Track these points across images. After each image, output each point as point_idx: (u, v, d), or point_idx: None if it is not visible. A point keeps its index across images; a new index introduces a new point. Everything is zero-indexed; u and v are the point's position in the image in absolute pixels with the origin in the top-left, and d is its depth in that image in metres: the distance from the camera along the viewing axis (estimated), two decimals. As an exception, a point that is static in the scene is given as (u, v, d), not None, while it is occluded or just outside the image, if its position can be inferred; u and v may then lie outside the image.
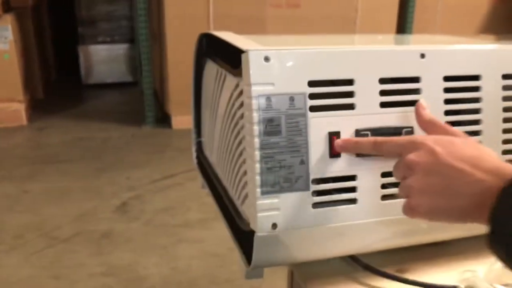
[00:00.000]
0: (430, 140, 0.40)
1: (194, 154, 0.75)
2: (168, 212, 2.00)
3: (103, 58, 3.78)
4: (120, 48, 3.83)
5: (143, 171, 2.36)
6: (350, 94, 0.47)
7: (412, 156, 0.40)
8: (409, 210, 0.41)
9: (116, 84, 3.85)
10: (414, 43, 0.51)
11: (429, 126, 0.44)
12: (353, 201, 0.49)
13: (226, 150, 0.57)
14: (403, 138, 0.42)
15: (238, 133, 0.51)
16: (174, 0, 2.65)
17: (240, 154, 0.51)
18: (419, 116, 0.45)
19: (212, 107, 0.64)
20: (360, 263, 0.53)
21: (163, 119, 2.95)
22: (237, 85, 0.50)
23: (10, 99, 2.76)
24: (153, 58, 3.06)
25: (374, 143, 0.44)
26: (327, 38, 0.63)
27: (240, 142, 0.51)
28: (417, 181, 0.39)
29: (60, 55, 4.05)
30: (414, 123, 0.49)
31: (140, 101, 2.97)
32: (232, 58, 0.48)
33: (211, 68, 0.63)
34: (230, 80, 0.53)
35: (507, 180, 0.36)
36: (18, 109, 2.80)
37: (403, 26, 3.19)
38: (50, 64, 3.77)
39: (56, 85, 3.85)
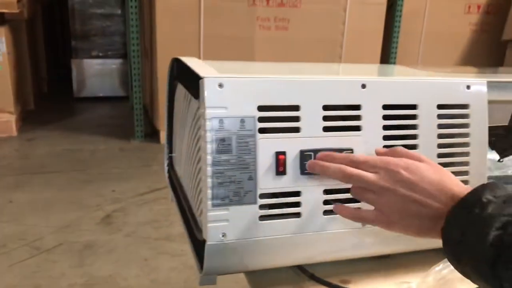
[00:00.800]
0: (402, 166, 0.46)
1: (166, 168, 0.80)
2: (151, 225, 2.03)
3: (96, 72, 3.84)
4: (113, 63, 3.89)
5: (129, 184, 2.40)
6: (296, 119, 0.53)
7: (386, 183, 0.46)
8: (381, 223, 0.47)
9: (108, 98, 3.90)
10: (361, 74, 0.57)
11: (394, 153, 0.50)
12: (297, 214, 0.54)
13: (189, 165, 0.62)
14: (378, 160, 0.48)
15: (198, 150, 0.56)
16: (166, 19, 2.73)
17: (199, 170, 0.56)
18: (379, 153, 0.51)
19: (181, 125, 0.69)
20: (307, 273, 0.58)
21: (152, 134, 3.00)
22: (198, 108, 0.55)
23: (0, 110, 2.80)
24: (144, 73, 3.13)
25: (351, 161, 0.49)
26: (287, 67, 0.69)
27: (199, 159, 0.56)
28: (392, 203, 0.45)
29: (53, 68, 4.11)
30: (354, 145, 0.54)
31: (131, 115, 3.02)
32: (194, 83, 0.54)
33: (181, 90, 0.68)
34: (194, 103, 0.58)
35: (455, 202, 0.43)
36: (8, 120, 2.84)
37: (387, 51, 3.29)
38: (42, 77, 3.83)
39: (48, 97, 3.90)
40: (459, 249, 0.41)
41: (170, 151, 0.79)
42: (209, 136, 0.49)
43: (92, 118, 3.53)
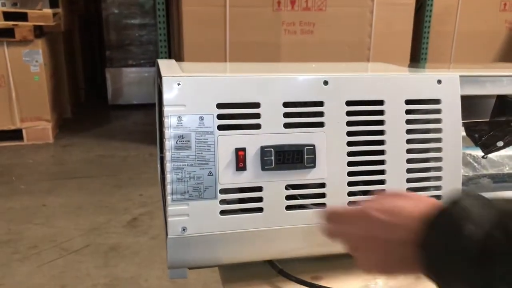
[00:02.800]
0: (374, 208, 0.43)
1: (158, 168, 0.83)
2: (175, 228, 2.07)
3: (130, 80, 3.97)
4: (147, 71, 4.01)
5: (156, 189, 2.45)
6: (256, 116, 0.54)
7: (357, 231, 0.44)
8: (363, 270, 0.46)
9: (141, 105, 4.02)
10: (324, 72, 0.57)
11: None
12: (259, 209, 0.55)
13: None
14: (355, 211, 0.45)
15: (168, 148, 0.58)
16: (192, 26, 2.79)
17: (168, 166, 0.58)
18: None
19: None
20: (275, 268, 0.58)
21: (180, 140, 3.06)
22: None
23: (38, 118, 2.95)
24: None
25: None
26: (262, 66, 0.70)
27: (169, 156, 0.58)
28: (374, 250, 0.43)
29: (89, 77, 4.28)
30: (316, 141, 0.55)
31: (161, 122, 3.10)
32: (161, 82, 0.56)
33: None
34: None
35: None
36: (45, 127, 2.98)
37: (417, 53, 3.21)
38: (79, 86, 3.99)
39: (84, 105, 4.07)
40: (440, 258, 0.37)
41: (161, 151, 0.81)
42: (168, 132, 0.51)
43: (125, 125, 3.65)
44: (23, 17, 2.74)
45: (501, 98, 0.65)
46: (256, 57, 2.89)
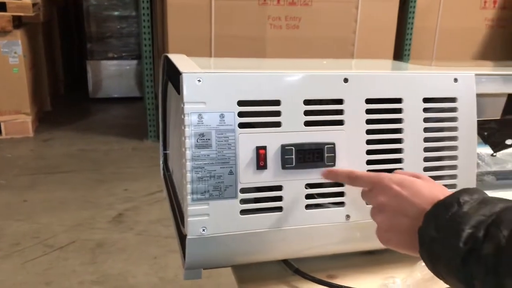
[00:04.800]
0: (394, 181, 0.46)
1: (161, 166, 0.81)
2: (162, 223, 2.05)
3: (111, 73, 3.89)
4: (128, 64, 3.94)
5: (141, 184, 2.42)
6: (277, 113, 0.53)
7: (381, 199, 0.46)
8: (381, 241, 0.47)
9: (123, 99, 3.96)
10: (343, 69, 0.57)
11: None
12: (279, 209, 0.54)
13: (177, 161, 0.63)
14: (373, 176, 0.48)
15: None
16: (177, 20, 2.75)
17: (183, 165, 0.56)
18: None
19: (173, 122, 0.70)
20: (291, 267, 0.58)
21: (164, 134, 3.03)
22: (180, 103, 0.56)
23: (17, 111, 2.86)
24: (157, 74, 3.16)
25: (349, 176, 0.50)
26: (274, 62, 0.69)
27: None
28: (386, 219, 0.46)
29: (70, 70, 4.18)
30: (336, 140, 0.54)
31: (145, 116, 3.06)
32: (176, 79, 0.54)
33: (171, 86, 0.69)
34: (179, 98, 0.59)
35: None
36: (24, 121, 2.90)
37: (400, 48, 3.24)
38: (59, 78, 3.90)
39: (64, 98, 3.97)
40: (434, 246, 0.41)
41: (165, 148, 0.80)
42: (188, 131, 0.50)
43: (107, 118, 3.58)
44: (1, 7, 2.64)
45: (510, 97, 0.66)
46: (241, 51, 2.86)
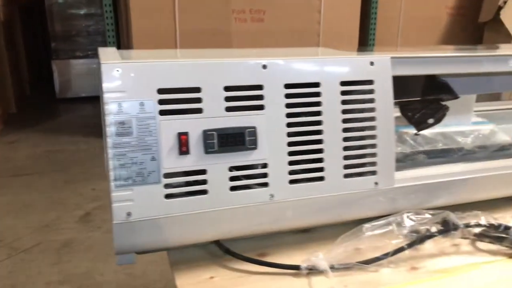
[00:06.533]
0: None
1: (105, 156, 0.82)
2: (129, 220, 2.05)
3: (78, 73, 3.85)
4: (95, 63, 3.89)
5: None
6: (198, 100, 0.55)
7: None
8: None
9: (91, 98, 3.92)
10: (264, 56, 0.59)
11: None
12: (204, 192, 0.56)
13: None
14: None
15: (111, 135, 0.58)
16: (140, 15, 2.73)
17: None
18: None
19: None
20: (222, 248, 0.60)
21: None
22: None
23: (-20, 114, 2.81)
24: (123, 72, 3.13)
25: None
26: (206, 52, 0.71)
27: (112, 144, 0.58)
28: None
29: (36, 70, 4.11)
30: (257, 123, 0.57)
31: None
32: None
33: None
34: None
35: None
36: (-12, 123, 2.85)
37: (365, 38, 3.30)
38: (24, 79, 3.83)
39: (30, 99, 3.91)
40: None
41: (108, 141, 0.81)
42: (108, 119, 0.52)
43: (74, 118, 3.55)
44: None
45: (430, 78, 0.70)
46: (207, 45, 2.87)
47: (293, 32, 3.04)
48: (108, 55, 0.58)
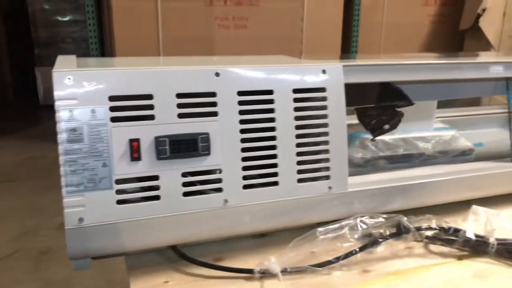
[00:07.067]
0: None
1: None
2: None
3: (63, 79, 3.83)
4: (80, 69, 3.89)
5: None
6: (150, 107, 0.56)
7: None
8: None
9: (76, 105, 3.89)
10: (218, 64, 0.60)
11: None
12: (157, 197, 0.57)
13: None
14: None
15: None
16: (123, 23, 2.74)
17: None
18: None
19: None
20: (177, 252, 0.61)
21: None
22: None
23: (-40, 121, 2.79)
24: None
25: None
26: (170, 60, 0.72)
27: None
28: None
29: (20, 76, 4.10)
30: (210, 130, 0.58)
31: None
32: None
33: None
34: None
35: None
36: (-31, 130, 2.83)
37: (348, 45, 3.34)
38: (7, 85, 3.82)
39: (13, 106, 3.89)
40: None
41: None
42: (60, 126, 0.52)
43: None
44: None
45: (384, 85, 0.71)
46: (190, 52, 2.88)
47: (277, 38, 3.07)
48: (63, 63, 0.59)
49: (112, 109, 0.55)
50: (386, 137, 0.85)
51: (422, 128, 0.92)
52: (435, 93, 0.83)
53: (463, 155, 0.90)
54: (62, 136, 0.53)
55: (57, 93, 0.53)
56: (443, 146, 0.90)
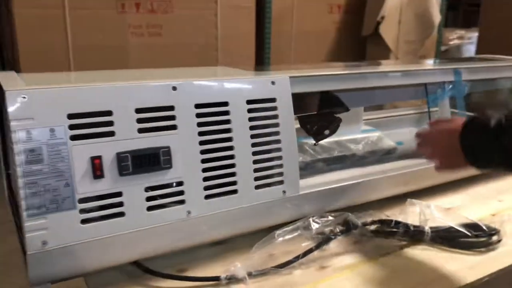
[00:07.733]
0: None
1: (5, 185, 0.78)
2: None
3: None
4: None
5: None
6: (110, 123, 0.56)
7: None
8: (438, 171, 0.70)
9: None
10: (174, 78, 0.61)
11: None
12: (121, 214, 0.57)
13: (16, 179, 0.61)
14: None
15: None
16: (27, 31, 2.56)
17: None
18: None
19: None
20: (141, 267, 0.61)
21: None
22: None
23: None
24: (10, 90, 2.90)
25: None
26: (112, 74, 0.71)
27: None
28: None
29: None
30: (170, 143, 0.59)
31: None
32: (2, 97, 0.54)
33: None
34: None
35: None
36: None
37: (262, 53, 3.44)
38: None
39: None
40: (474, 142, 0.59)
41: (8, 168, 0.77)
42: (17, 148, 0.50)
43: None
44: None
45: (324, 93, 0.77)
46: (103, 61, 2.77)
47: (192, 46, 3.06)
48: (10, 81, 0.56)
49: (72, 127, 0.53)
50: (322, 141, 0.91)
51: (352, 131, 1.00)
52: (363, 99, 0.91)
53: (389, 154, 0.99)
54: (20, 158, 0.50)
55: (12, 114, 0.50)
56: (371, 147, 0.99)
